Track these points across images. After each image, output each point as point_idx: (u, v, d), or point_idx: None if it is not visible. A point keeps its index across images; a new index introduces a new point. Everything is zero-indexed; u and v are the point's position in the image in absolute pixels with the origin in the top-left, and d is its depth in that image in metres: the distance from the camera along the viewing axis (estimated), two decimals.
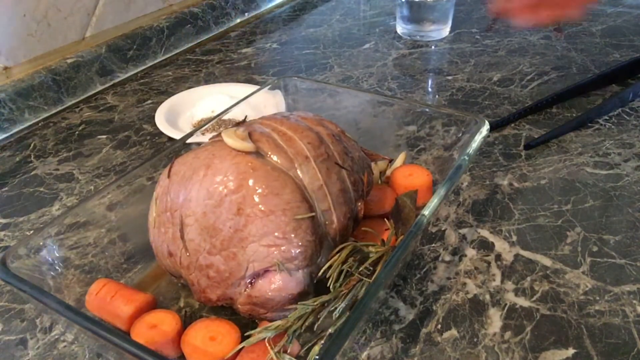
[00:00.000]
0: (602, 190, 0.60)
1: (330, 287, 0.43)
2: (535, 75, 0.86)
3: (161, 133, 0.77)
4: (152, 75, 0.96)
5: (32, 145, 0.77)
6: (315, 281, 0.45)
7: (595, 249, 0.53)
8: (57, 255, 0.46)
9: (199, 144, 0.54)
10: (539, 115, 0.75)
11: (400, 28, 1.04)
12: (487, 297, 0.49)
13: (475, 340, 0.45)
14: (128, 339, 0.37)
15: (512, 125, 0.73)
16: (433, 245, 0.55)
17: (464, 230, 0.56)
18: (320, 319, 0.41)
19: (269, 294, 0.42)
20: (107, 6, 0.93)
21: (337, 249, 0.44)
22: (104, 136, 0.78)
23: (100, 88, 0.91)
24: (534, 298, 0.48)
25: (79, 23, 0.89)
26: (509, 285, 0.50)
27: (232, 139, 0.46)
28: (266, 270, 0.42)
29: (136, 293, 0.46)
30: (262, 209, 0.42)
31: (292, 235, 0.42)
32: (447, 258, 0.53)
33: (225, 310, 0.47)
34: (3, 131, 0.78)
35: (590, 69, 0.87)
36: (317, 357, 0.33)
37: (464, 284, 0.50)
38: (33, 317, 0.50)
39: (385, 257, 0.43)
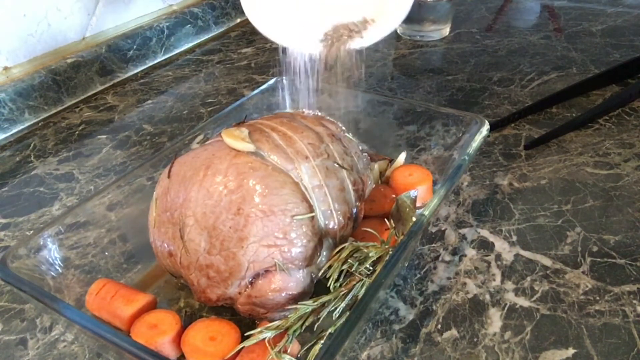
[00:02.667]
0: (602, 190, 0.60)
1: (330, 287, 0.43)
2: (535, 75, 0.86)
3: (161, 133, 0.77)
4: (152, 75, 0.96)
5: (32, 145, 0.77)
6: (315, 281, 0.45)
7: (595, 249, 0.53)
8: (57, 255, 0.46)
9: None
10: (539, 115, 0.75)
11: (400, 28, 1.04)
12: (487, 297, 0.49)
13: (475, 340, 0.45)
14: (128, 339, 0.37)
15: (512, 125, 0.73)
16: (433, 245, 0.55)
17: (464, 230, 0.56)
18: (320, 319, 0.41)
19: (269, 294, 0.42)
20: (107, 6, 0.93)
21: (337, 249, 0.44)
22: (104, 136, 0.78)
23: (100, 88, 0.91)
24: (534, 298, 0.48)
25: (79, 23, 0.89)
26: (509, 285, 0.50)
27: (232, 139, 0.46)
28: (266, 270, 0.42)
29: (136, 293, 0.46)
30: (262, 209, 0.42)
31: (292, 236, 0.42)
32: (447, 258, 0.53)
33: (225, 310, 0.47)
34: (3, 131, 0.78)
35: (590, 69, 0.87)
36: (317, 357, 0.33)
37: (464, 284, 0.50)
38: (33, 317, 0.50)
39: (385, 257, 0.43)
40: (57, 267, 0.45)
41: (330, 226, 0.45)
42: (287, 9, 0.57)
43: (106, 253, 0.50)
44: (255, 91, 0.64)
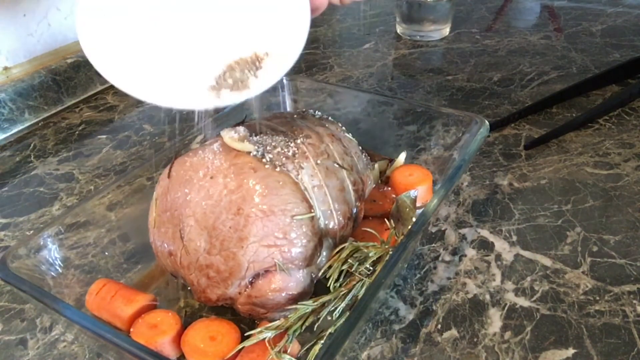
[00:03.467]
0: (602, 190, 0.60)
1: (330, 287, 0.43)
2: (535, 75, 0.86)
3: (162, 133, 0.77)
4: None
5: (32, 145, 0.77)
6: (315, 281, 0.45)
7: (595, 249, 0.53)
8: (57, 255, 0.46)
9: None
10: (539, 115, 0.75)
11: (400, 28, 1.04)
12: (487, 297, 0.49)
13: (475, 340, 0.45)
14: (128, 339, 0.37)
15: (512, 125, 0.73)
16: (433, 245, 0.55)
17: (464, 230, 0.56)
18: (320, 319, 0.41)
19: (269, 294, 0.42)
20: None
21: (337, 249, 0.44)
22: (104, 136, 0.78)
23: (100, 88, 0.91)
24: (534, 298, 0.48)
25: None
26: (509, 285, 0.50)
27: (232, 139, 0.46)
28: (266, 271, 0.42)
29: (136, 293, 0.46)
30: (262, 209, 0.42)
31: (292, 236, 0.42)
32: (447, 258, 0.53)
33: (225, 310, 0.47)
34: (3, 131, 0.78)
35: (590, 69, 0.87)
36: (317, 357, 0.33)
37: (464, 284, 0.50)
38: (33, 317, 0.50)
39: (385, 257, 0.43)
40: (57, 267, 0.45)
41: (330, 226, 0.45)
42: (149, 55, 0.42)
43: (106, 253, 0.50)
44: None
